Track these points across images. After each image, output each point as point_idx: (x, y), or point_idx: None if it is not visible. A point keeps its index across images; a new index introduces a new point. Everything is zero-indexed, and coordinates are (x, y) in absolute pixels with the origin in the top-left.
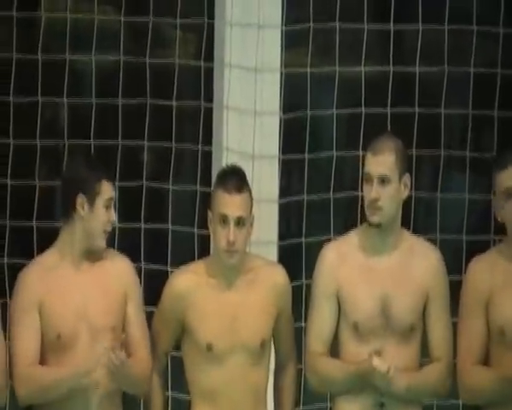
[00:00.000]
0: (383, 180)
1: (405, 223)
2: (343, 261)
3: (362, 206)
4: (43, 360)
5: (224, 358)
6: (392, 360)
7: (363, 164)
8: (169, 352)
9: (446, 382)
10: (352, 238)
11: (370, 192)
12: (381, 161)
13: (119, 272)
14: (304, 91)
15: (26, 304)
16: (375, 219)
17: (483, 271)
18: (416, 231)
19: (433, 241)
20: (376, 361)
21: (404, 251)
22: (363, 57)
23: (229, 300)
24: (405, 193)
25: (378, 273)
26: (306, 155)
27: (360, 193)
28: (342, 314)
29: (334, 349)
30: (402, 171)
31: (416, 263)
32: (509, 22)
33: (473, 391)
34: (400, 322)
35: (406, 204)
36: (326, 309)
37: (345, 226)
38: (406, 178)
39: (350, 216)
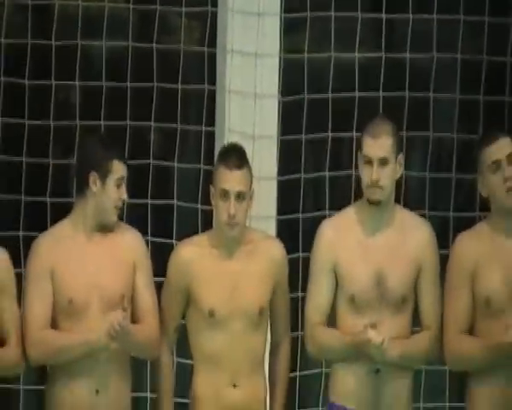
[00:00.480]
0: (383, 162)
1: (397, 199)
2: (341, 238)
3: (357, 184)
4: (55, 326)
5: (226, 323)
6: (386, 331)
7: (357, 146)
8: (178, 327)
9: (436, 348)
10: (350, 214)
11: (371, 173)
12: (380, 144)
13: (129, 243)
14: (301, 76)
15: (39, 271)
16: (376, 197)
17: (468, 245)
18: (406, 208)
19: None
20: (371, 333)
21: (398, 226)
22: (357, 44)
23: (229, 269)
24: (400, 171)
25: (374, 249)
26: (303, 136)
27: (354, 172)
28: (339, 288)
29: (331, 322)
30: (397, 152)
31: (408, 237)
32: (494, 12)
33: (459, 359)
34: (394, 294)
35: (398, 182)
36: (324, 283)
37: (340, 204)
38: (400, 157)
39: (345, 194)
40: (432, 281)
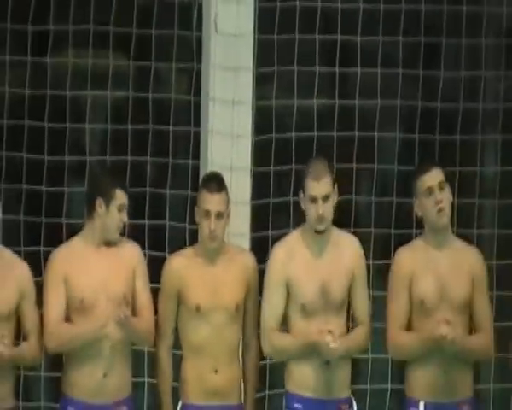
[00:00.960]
0: (325, 198)
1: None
2: (291, 257)
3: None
4: (70, 322)
5: (209, 316)
6: (335, 331)
7: (300, 186)
8: (174, 329)
9: (369, 340)
10: (297, 237)
11: (318, 210)
12: (323, 184)
13: (129, 253)
14: (271, 119)
15: (54, 277)
16: (321, 227)
17: (406, 257)
18: (356, 226)
19: (368, 234)
20: (329, 338)
21: (335, 243)
22: (315, 93)
23: (211, 273)
24: (336, 199)
25: (318, 265)
26: (272, 168)
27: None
28: (292, 299)
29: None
30: (333, 184)
31: (343, 252)
32: (427, 66)
33: (399, 350)
34: (336, 300)
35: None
36: (278, 295)
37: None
38: (335, 187)
39: (301, 216)
40: (362, 285)
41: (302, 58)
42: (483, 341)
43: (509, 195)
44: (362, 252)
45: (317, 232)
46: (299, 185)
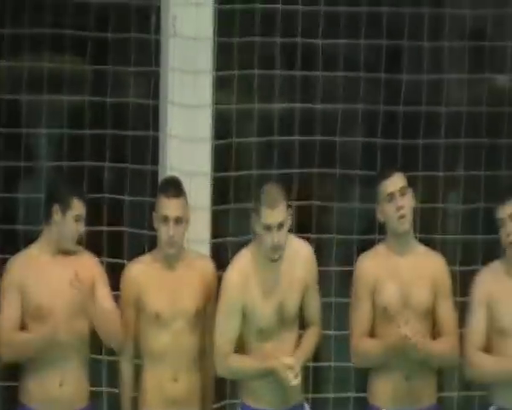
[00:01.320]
0: (280, 226)
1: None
2: (246, 281)
3: None
4: (26, 329)
5: (168, 323)
6: (287, 349)
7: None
8: (133, 337)
9: (320, 339)
10: (250, 259)
11: (273, 239)
12: (277, 213)
13: (86, 263)
14: (231, 123)
15: (9, 285)
16: (277, 257)
17: (369, 264)
18: (318, 232)
19: (331, 240)
20: (290, 375)
21: (288, 257)
22: (276, 96)
23: (170, 279)
24: (289, 223)
25: (273, 286)
26: (232, 173)
27: None
28: (248, 322)
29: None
30: (288, 209)
31: (296, 263)
32: (389, 69)
33: (363, 357)
34: (290, 316)
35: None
36: (234, 321)
37: None
38: (290, 211)
39: None
40: (315, 292)
41: (262, 61)
42: (447, 346)
43: (473, 199)
44: (313, 257)
45: (273, 261)
46: (254, 209)
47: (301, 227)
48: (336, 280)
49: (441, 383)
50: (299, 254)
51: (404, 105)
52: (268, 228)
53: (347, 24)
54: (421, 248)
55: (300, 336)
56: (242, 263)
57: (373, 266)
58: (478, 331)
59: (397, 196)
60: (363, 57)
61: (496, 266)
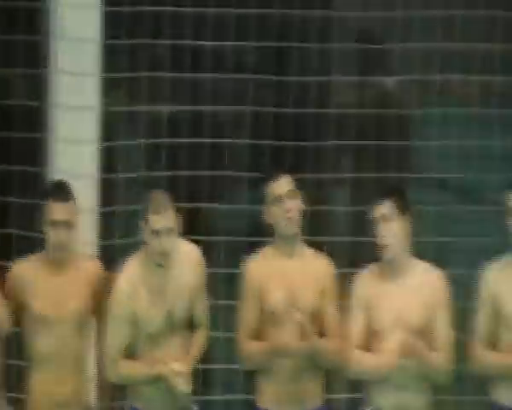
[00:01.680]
0: (169, 232)
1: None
2: (136, 288)
3: None
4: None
5: (53, 326)
6: (176, 353)
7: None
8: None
9: (207, 340)
10: (139, 265)
11: (161, 244)
12: (165, 218)
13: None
14: (119, 125)
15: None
16: (162, 261)
17: (255, 267)
18: (206, 234)
19: (219, 242)
20: (180, 382)
21: (175, 262)
22: (165, 98)
23: (57, 282)
24: (178, 228)
25: (162, 290)
26: (119, 175)
27: None
28: (138, 329)
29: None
30: (175, 215)
31: (184, 267)
32: (278, 70)
33: (250, 359)
34: (180, 321)
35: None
36: (124, 329)
37: None
38: (178, 216)
39: None
40: (202, 292)
41: (151, 63)
42: (331, 346)
43: (361, 202)
44: (202, 260)
45: (159, 265)
46: (143, 215)
47: (189, 229)
48: (224, 282)
49: (329, 385)
50: (188, 257)
51: (292, 107)
52: (156, 233)
53: (236, 26)
54: (309, 251)
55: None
56: (130, 270)
57: (260, 268)
58: (356, 332)
59: (285, 199)
60: (251, 59)
61: (373, 269)
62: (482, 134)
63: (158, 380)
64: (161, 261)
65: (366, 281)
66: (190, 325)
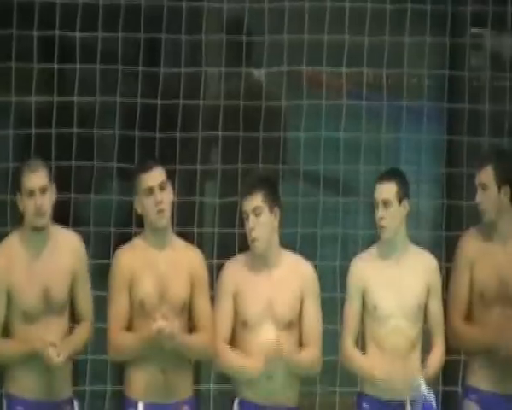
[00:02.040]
0: (43, 190)
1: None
2: (11, 262)
3: None
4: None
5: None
6: (53, 335)
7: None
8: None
9: (91, 336)
10: (16, 240)
11: (36, 202)
12: (39, 177)
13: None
14: None
15: None
16: (39, 223)
17: (126, 258)
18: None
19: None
20: (52, 352)
21: (54, 242)
22: (33, 91)
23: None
24: (54, 197)
25: (39, 270)
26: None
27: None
28: (12, 305)
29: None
30: (51, 180)
31: (63, 251)
32: (147, 61)
33: (119, 350)
34: (57, 303)
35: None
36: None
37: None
38: (53, 186)
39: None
40: (84, 283)
41: (20, 55)
42: (202, 339)
43: (231, 192)
44: (82, 248)
45: (36, 229)
46: (16, 187)
47: (58, 220)
48: (94, 273)
49: (198, 376)
50: (68, 243)
51: (161, 98)
52: (31, 193)
53: (105, 16)
54: (179, 243)
55: None
56: (7, 245)
57: (130, 259)
58: (223, 323)
59: (156, 191)
60: (120, 50)
61: (241, 260)
62: (352, 126)
63: (31, 356)
64: (38, 223)
65: (234, 272)
66: (73, 316)
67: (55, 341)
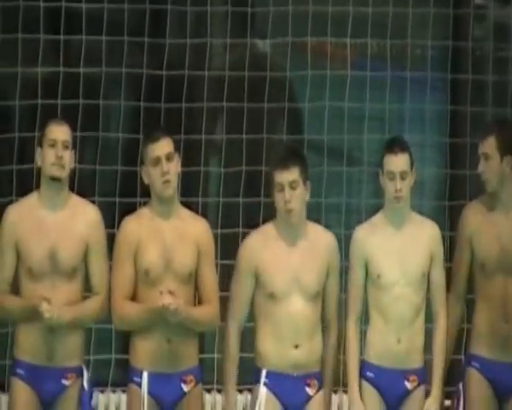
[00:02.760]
0: (67, 144)
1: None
2: (20, 220)
3: None
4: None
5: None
6: (59, 298)
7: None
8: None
9: (104, 309)
10: (31, 200)
11: (57, 154)
12: (63, 132)
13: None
14: None
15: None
16: (58, 173)
17: (132, 227)
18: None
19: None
20: (46, 294)
21: (72, 211)
22: (40, 60)
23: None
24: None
25: (46, 230)
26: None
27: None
28: (20, 261)
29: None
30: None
31: (79, 220)
32: (153, 33)
33: (124, 320)
34: (65, 266)
35: None
36: (8, 258)
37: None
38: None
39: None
40: (98, 255)
41: (26, 26)
42: (208, 311)
43: (236, 162)
44: (99, 220)
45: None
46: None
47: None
48: None
49: (202, 346)
50: (85, 212)
51: (167, 69)
52: (52, 144)
53: None
54: (185, 213)
55: None
56: (23, 203)
57: (136, 228)
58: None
59: (163, 161)
60: (126, 21)
61: (267, 230)
62: (356, 97)
63: (33, 314)
64: (57, 173)
65: (254, 248)
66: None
67: (50, 297)
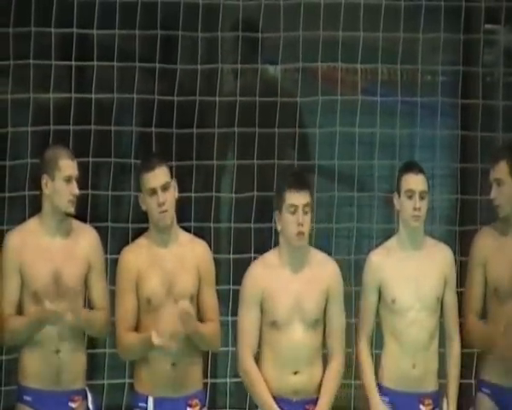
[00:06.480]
0: (75, 178)
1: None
2: (24, 243)
3: None
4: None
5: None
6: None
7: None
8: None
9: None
10: (32, 225)
11: (73, 189)
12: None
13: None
14: (5, 113)
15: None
16: (68, 209)
17: (131, 257)
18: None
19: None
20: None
21: (74, 233)
22: (51, 88)
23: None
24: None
25: (52, 249)
26: (7, 162)
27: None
28: (24, 284)
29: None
30: None
31: (81, 242)
32: (164, 59)
33: (129, 351)
34: (69, 288)
35: None
36: (13, 282)
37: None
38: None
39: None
40: (99, 275)
41: (38, 52)
42: (211, 328)
43: (244, 189)
44: (100, 244)
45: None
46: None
47: (77, 216)
48: (112, 269)
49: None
50: (86, 234)
51: (178, 95)
52: (68, 180)
53: (122, 14)
54: (185, 237)
55: None
56: (24, 227)
57: (135, 258)
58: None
59: (159, 192)
60: (137, 47)
61: (271, 257)
62: (367, 122)
63: (42, 324)
64: (72, 210)
65: (259, 277)
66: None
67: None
